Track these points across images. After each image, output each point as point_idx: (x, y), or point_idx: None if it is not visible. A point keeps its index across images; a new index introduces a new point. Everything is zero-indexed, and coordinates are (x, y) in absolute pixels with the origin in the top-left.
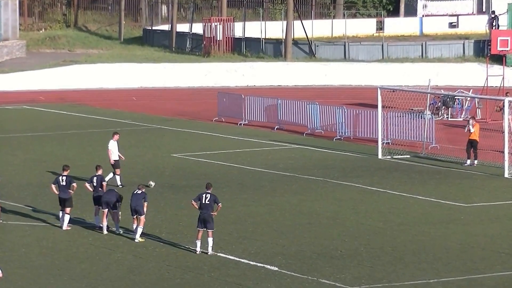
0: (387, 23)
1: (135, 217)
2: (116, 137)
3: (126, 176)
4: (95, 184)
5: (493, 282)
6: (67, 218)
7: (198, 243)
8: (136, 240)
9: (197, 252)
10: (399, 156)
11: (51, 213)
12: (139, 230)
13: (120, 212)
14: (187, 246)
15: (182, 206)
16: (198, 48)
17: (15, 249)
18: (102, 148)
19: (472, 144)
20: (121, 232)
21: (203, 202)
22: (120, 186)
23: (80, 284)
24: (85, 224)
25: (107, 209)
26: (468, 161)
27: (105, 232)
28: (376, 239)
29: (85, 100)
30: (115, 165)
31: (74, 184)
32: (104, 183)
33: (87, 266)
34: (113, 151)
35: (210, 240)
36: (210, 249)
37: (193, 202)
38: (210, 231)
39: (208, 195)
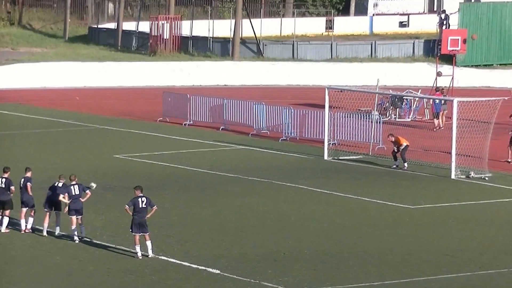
0: (337, 22)
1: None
2: None
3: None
4: (21, 186)
5: (438, 285)
6: (6, 220)
7: (138, 248)
8: (76, 241)
9: (139, 257)
10: (346, 157)
11: None
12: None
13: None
14: (128, 249)
15: None
16: (144, 47)
17: None
18: (43, 150)
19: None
20: (60, 234)
21: (140, 206)
22: None
23: None
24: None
25: (49, 211)
26: (405, 164)
27: (44, 234)
28: (320, 241)
29: (28, 99)
30: None
31: (12, 188)
32: (29, 184)
33: (26, 269)
34: None
35: (149, 243)
36: (150, 252)
37: (127, 208)
38: (147, 235)
39: (144, 199)
